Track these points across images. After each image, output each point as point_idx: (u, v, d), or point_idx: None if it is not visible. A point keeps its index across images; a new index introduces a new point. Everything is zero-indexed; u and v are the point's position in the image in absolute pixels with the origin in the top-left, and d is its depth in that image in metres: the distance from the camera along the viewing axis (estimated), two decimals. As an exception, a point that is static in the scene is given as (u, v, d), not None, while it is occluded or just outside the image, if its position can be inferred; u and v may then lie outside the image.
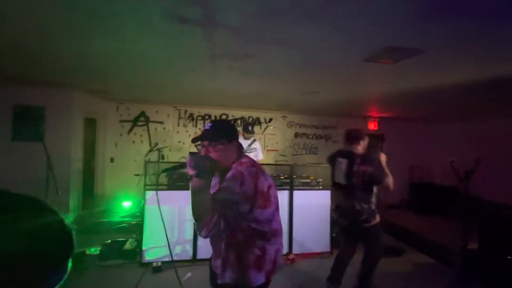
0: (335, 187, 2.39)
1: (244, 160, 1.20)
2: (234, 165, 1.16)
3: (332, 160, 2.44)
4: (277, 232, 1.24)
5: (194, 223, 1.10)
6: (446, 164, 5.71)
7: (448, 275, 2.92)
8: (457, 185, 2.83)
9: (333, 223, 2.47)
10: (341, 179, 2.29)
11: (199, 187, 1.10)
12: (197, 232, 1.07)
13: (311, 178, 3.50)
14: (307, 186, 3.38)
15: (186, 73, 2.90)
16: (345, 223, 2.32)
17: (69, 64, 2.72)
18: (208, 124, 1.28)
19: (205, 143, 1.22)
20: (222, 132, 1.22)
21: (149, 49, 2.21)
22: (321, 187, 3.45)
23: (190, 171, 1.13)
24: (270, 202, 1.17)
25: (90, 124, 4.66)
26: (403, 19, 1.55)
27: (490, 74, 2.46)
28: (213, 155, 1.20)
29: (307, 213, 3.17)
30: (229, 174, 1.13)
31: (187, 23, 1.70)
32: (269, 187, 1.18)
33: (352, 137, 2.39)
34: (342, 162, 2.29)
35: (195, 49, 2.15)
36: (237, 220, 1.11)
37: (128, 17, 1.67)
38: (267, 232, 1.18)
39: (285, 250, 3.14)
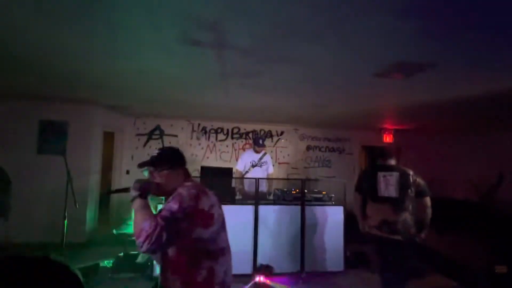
0: (377, 202, 2.34)
1: (186, 183, 1.26)
2: (177, 189, 1.23)
3: (371, 174, 2.41)
4: (225, 251, 1.26)
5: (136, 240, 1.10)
6: (466, 180, 5.43)
7: (474, 301, 2.72)
8: (480, 200, 2.68)
9: (365, 241, 2.33)
10: (390, 192, 2.27)
11: (141, 206, 1.16)
12: (139, 245, 1.06)
13: (323, 193, 3.43)
14: (319, 201, 3.31)
15: (199, 89, 3.00)
16: (398, 237, 2.23)
17: (92, 82, 2.90)
18: (155, 151, 1.36)
19: (151, 168, 1.29)
20: (167, 159, 1.29)
21: (165, 69, 2.33)
22: (333, 203, 3.37)
23: (133, 193, 1.19)
24: (213, 220, 1.21)
25: (108, 137, 4.88)
26: (412, 35, 1.55)
27: (509, 85, 2.37)
28: (157, 180, 1.26)
29: (320, 230, 3.09)
30: (171, 197, 1.20)
31: (199, 46, 1.79)
32: (212, 206, 1.21)
33: (390, 152, 2.51)
34: (392, 175, 2.29)
35: (208, 68, 2.24)
36: (179, 237, 1.13)
37: (146, 41, 1.78)
38: (213, 251, 1.20)
39: (296, 268, 3.06)
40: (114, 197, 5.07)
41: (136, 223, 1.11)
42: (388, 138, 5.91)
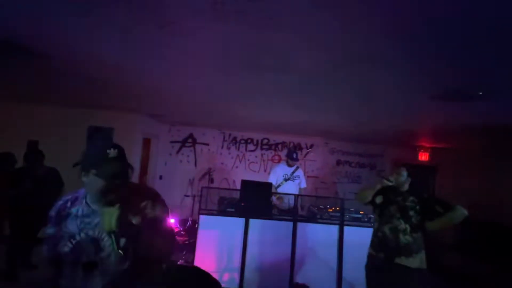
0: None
1: None
2: None
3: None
4: None
5: None
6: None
7: None
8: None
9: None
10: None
11: None
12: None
13: (361, 212, 3.33)
14: (358, 221, 3.22)
15: (243, 105, 3.08)
16: None
17: (141, 94, 3.09)
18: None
19: None
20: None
21: (216, 87, 2.43)
22: (373, 224, 3.25)
23: None
24: None
25: (146, 143, 5.12)
26: (474, 66, 1.50)
27: None
28: None
29: (358, 253, 2.99)
30: None
31: (261, 69, 1.85)
32: None
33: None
34: None
35: (259, 87, 2.30)
36: None
37: (211, 66, 1.88)
38: None
39: (333, 289, 2.97)
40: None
41: None
42: (424, 156, 5.65)
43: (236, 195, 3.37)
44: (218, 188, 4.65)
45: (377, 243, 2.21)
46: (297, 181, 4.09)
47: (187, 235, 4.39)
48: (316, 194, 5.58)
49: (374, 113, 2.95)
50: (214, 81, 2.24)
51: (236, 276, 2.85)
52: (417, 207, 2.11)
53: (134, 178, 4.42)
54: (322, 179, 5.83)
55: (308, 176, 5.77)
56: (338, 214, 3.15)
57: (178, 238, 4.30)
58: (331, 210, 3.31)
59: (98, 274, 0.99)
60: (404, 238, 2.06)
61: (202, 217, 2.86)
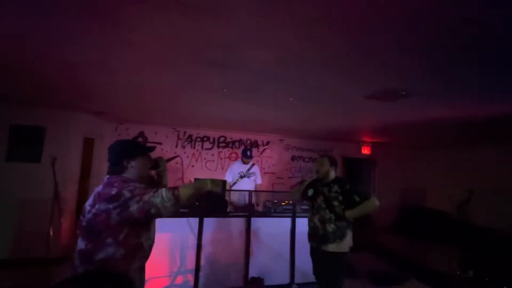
0: None
1: None
2: None
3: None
4: None
5: None
6: (438, 190, 5.91)
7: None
8: (450, 211, 2.98)
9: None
10: None
11: None
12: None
13: (311, 204, 3.56)
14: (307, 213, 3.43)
15: (194, 102, 3.00)
16: None
17: (79, 89, 2.76)
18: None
19: None
20: None
21: (164, 82, 2.31)
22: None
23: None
24: None
25: (88, 144, 4.61)
26: (410, 69, 1.73)
27: (481, 111, 2.70)
28: None
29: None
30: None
31: (208, 65, 1.82)
32: None
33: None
34: None
35: (210, 83, 2.26)
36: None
37: (153, 58, 1.77)
38: None
39: (286, 280, 3.12)
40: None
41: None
42: (366, 150, 6.29)
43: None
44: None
45: (309, 233, 2.41)
46: (252, 178, 4.17)
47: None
48: (273, 190, 5.77)
49: (318, 111, 3.16)
50: (160, 76, 2.13)
51: (191, 277, 2.78)
52: (340, 197, 2.26)
53: (74, 181, 3.95)
54: (278, 174, 6.04)
55: (265, 173, 5.92)
56: (291, 207, 3.31)
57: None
58: (284, 204, 3.45)
59: None
60: (330, 227, 2.25)
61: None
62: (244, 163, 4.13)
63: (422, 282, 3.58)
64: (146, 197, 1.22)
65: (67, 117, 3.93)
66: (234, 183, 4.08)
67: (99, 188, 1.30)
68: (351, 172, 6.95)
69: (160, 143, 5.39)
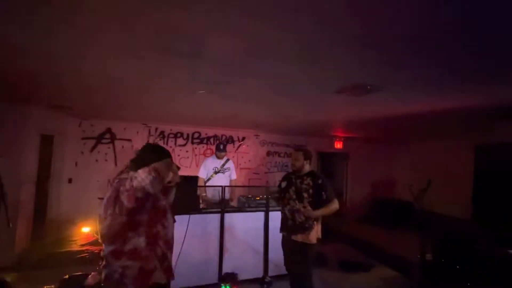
0: None
1: None
2: None
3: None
4: None
5: None
6: (403, 182, 6.30)
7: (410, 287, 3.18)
8: (412, 201, 3.20)
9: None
10: None
11: None
12: None
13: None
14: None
15: (163, 95, 2.86)
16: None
17: (33, 81, 2.50)
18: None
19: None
20: None
21: (128, 73, 2.17)
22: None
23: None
24: None
25: (47, 141, 4.24)
26: (373, 63, 1.78)
27: (436, 106, 2.88)
28: None
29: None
30: None
31: (174, 55, 1.73)
32: None
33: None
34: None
35: (177, 75, 2.16)
36: None
37: (114, 46, 1.64)
38: None
39: (260, 273, 3.13)
40: (53, 210, 4.42)
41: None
42: (339, 145, 6.51)
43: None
44: None
45: (281, 223, 2.49)
46: (227, 173, 4.11)
47: (105, 242, 3.87)
48: (249, 185, 5.77)
49: (291, 106, 3.19)
50: (122, 66, 1.99)
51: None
52: (311, 190, 2.32)
53: (30, 183, 3.60)
54: (254, 170, 6.04)
55: (241, 168, 5.89)
56: (265, 202, 3.32)
57: (94, 247, 3.76)
58: (258, 198, 3.46)
59: None
60: (299, 218, 2.31)
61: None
62: (218, 158, 4.05)
63: (388, 267, 3.81)
64: (127, 186, 1.29)
65: (17, 112, 3.56)
66: (209, 179, 3.99)
67: (108, 193, 1.41)
68: (325, 166, 7.17)
69: (130, 140, 5.12)
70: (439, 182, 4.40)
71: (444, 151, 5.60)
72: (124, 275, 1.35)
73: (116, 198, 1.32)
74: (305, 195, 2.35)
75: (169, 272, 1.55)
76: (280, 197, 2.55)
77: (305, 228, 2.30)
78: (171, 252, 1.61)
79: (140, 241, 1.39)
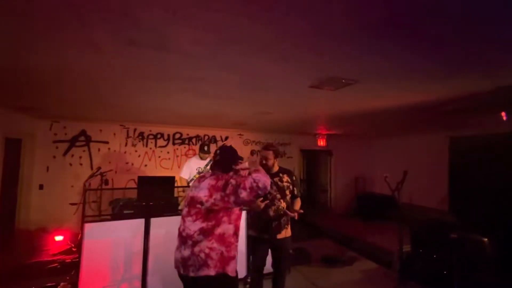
0: None
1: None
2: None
3: None
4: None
5: None
6: (382, 176, 6.47)
7: (390, 278, 3.23)
8: (391, 194, 3.25)
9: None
10: None
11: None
12: (264, 187, 1.51)
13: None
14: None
15: (136, 92, 2.74)
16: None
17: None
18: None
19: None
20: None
21: (92, 68, 2.04)
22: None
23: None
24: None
25: (14, 145, 3.97)
26: (343, 55, 1.77)
27: (410, 100, 2.94)
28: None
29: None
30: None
31: (137, 46, 1.63)
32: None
33: None
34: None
35: (145, 70, 2.06)
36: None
37: (69, 37, 1.53)
38: None
39: (243, 274, 3.06)
40: (21, 217, 4.14)
41: (263, 177, 1.53)
42: (322, 142, 6.56)
43: (135, 194, 3.01)
44: (111, 189, 4.08)
45: (260, 226, 2.30)
46: (210, 174, 4.02)
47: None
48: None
49: (269, 102, 3.15)
50: (83, 58, 1.86)
51: (138, 283, 2.55)
52: (291, 187, 2.38)
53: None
54: (238, 170, 5.97)
55: (224, 168, 5.80)
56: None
57: (66, 256, 3.55)
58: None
59: None
60: (286, 218, 2.32)
61: (86, 226, 2.40)
62: (201, 158, 3.96)
63: (370, 260, 3.86)
64: (249, 183, 1.48)
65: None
66: (192, 180, 3.89)
67: (209, 182, 1.59)
68: (309, 164, 7.22)
69: (107, 142, 4.91)
70: (417, 174, 4.53)
71: (420, 144, 5.79)
72: (209, 256, 1.49)
73: (225, 187, 1.52)
74: (287, 192, 2.34)
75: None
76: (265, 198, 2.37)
77: (285, 223, 2.32)
78: None
79: (229, 228, 1.57)
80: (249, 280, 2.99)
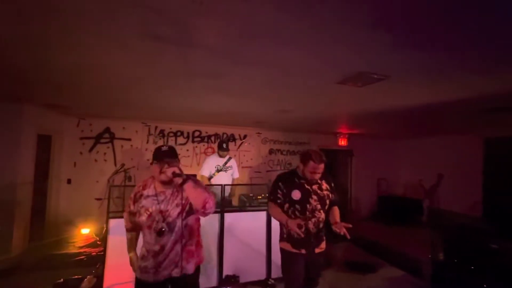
0: None
1: None
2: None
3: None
4: None
5: None
6: (409, 178, 6.14)
7: (417, 287, 3.03)
8: (422, 198, 3.03)
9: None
10: None
11: (195, 184, 1.61)
12: (209, 209, 1.50)
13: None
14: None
15: (158, 89, 2.75)
16: None
17: (22, 77, 2.41)
18: (164, 147, 1.70)
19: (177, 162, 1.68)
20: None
21: (118, 65, 2.06)
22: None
23: (184, 176, 1.58)
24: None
25: (45, 141, 4.17)
26: (373, 49, 1.64)
27: (445, 98, 2.72)
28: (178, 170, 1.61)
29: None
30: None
31: (161, 41, 1.61)
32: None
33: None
34: None
35: (169, 66, 2.05)
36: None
37: (96, 32, 1.53)
38: None
39: (263, 275, 3.01)
40: (52, 211, 4.35)
41: (199, 194, 1.49)
42: (343, 142, 6.34)
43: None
44: (135, 186, 4.14)
45: (299, 240, 1.94)
46: (229, 172, 4.00)
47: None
48: (251, 183, 5.64)
49: (292, 100, 3.05)
50: (108, 56, 1.87)
51: (159, 280, 2.56)
52: (331, 195, 2.06)
53: (27, 183, 3.53)
54: (256, 168, 5.92)
55: (242, 167, 5.78)
56: (266, 201, 3.19)
57: (92, 249, 3.68)
58: (260, 197, 3.33)
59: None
60: (323, 229, 2.05)
61: (111, 221, 2.45)
62: (220, 156, 3.95)
63: (396, 267, 3.66)
64: None
65: (12, 111, 3.49)
66: (211, 177, 3.90)
67: None
68: (329, 164, 7.00)
69: (129, 139, 5.04)
70: (446, 177, 4.23)
71: (450, 145, 5.41)
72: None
73: None
74: (327, 201, 2.03)
75: None
76: (296, 210, 1.98)
77: (324, 234, 2.07)
78: None
79: None
80: (270, 282, 2.93)
